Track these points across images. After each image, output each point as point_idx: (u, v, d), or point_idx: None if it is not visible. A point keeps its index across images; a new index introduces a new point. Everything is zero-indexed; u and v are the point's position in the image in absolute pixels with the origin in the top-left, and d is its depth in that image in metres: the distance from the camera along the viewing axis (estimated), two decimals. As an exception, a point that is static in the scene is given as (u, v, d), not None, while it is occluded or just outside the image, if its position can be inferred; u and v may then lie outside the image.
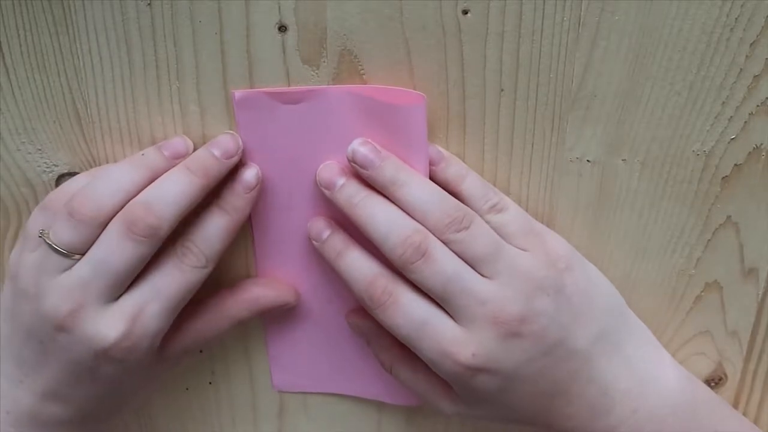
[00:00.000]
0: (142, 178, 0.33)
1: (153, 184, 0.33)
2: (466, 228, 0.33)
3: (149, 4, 0.33)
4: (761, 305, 0.40)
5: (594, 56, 0.34)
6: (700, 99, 0.35)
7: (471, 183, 0.35)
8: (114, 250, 0.32)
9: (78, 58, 0.34)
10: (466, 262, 0.33)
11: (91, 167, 0.37)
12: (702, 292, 0.40)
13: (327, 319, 0.40)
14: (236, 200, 0.35)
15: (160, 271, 0.34)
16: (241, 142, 0.35)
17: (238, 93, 0.35)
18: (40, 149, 0.37)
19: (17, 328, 0.34)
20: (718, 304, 0.40)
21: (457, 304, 0.33)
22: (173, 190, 0.33)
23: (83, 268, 0.32)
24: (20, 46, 0.34)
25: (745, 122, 0.35)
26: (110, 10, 0.33)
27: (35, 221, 0.34)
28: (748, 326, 0.41)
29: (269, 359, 0.42)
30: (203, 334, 0.37)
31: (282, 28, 0.34)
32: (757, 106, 0.35)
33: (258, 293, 0.37)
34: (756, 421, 0.43)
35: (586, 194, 0.37)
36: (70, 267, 0.32)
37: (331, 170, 0.35)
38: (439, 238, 0.33)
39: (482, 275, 0.33)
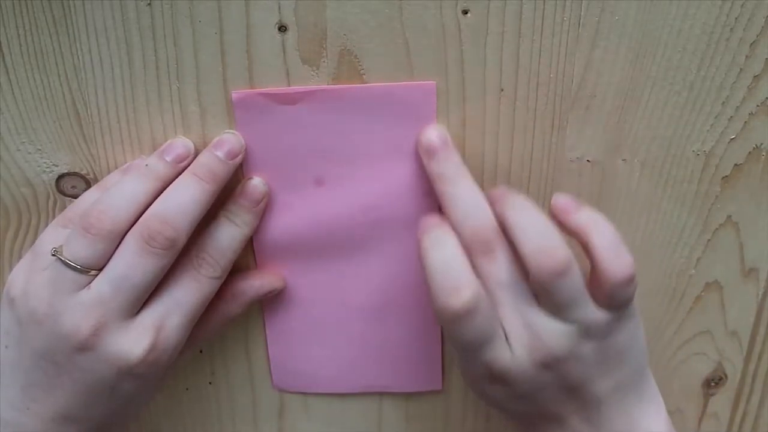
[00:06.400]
0: (152, 188, 0.33)
1: (164, 194, 0.33)
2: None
3: (149, 4, 0.33)
4: (761, 305, 0.40)
5: (594, 56, 0.34)
6: (700, 99, 0.35)
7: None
8: (134, 264, 0.32)
9: (78, 58, 0.34)
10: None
11: (92, 167, 0.37)
12: (702, 292, 0.40)
13: (327, 318, 0.40)
14: (245, 214, 0.36)
15: (177, 283, 0.34)
16: (243, 141, 0.35)
17: (236, 94, 0.35)
18: (40, 149, 0.37)
19: (24, 352, 0.33)
20: (718, 304, 0.40)
21: (504, 311, 0.32)
22: (186, 200, 0.33)
23: (103, 284, 0.32)
24: (20, 46, 0.34)
25: (745, 122, 0.36)
26: (110, 10, 0.33)
27: (48, 239, 0.34)
28: (748, 326, 0.41)
29: (269, 359, 0.42)
30: (199, 336, 0.37)
31: (282, 28, 0.34)
32: (757, 106, 0.35)
33: (243, 287, 0.37)
34: (756, 421, 0.43)
35: (586, 194, 0.37)
36: (87, 284, 0.32)
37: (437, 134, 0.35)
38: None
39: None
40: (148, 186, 0.33)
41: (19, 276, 0.33)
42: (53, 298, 0.32)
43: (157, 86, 0.35)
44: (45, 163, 0.37)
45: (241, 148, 0.35)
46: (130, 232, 0.32)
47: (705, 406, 0.43)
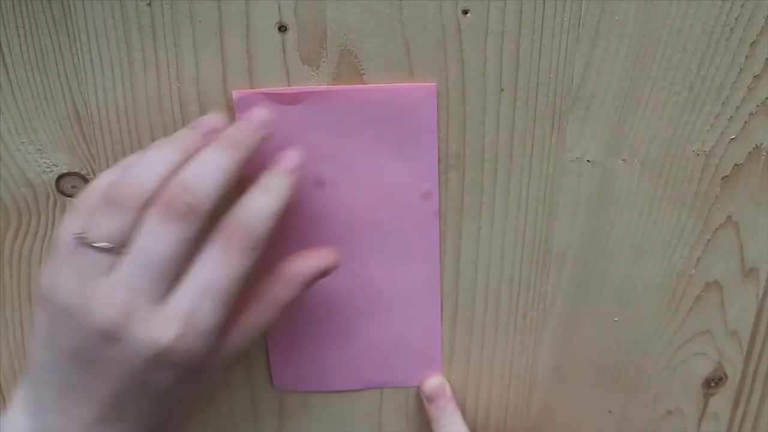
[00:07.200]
0: (177, 158, 0.31)
1: (188, 164, 0.31)
2: None
3: (149, 4, 0.33)
4: (761, 305, 0.40)
5: (594, 56, 0.34)
6: (700, 99, 0.35)
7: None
8: (156, 237, 0.30)
9: (78, 58, 0.34)
10: None
11: (91, 167, 0.37)
12: (702, 292, 0.40)
13: (327, 317, 0.40)
14: (279, 181, 0.33)
15: (208, 261, 0.31)
16: (272, 114, 0.34)
17: (236, 93, 0.35)
18: (40, 149, 0.37)
19: (60, 353, 0.31)
20: (718, 304, 0.40)
21: None
22: (210, 166, 0.31)
23: (127, 264, 0.30)
24: (20, 46, 0.34)
25: (745, 122, 0.35)
26: (110, 10, 0.33)
27: (67, 228, 0.32)
28: (748, 326, 0.41)
29: (269, 359, 0.42)
30: (253, 328, 0.34)
31: (282, 28, 0.34)
32: (757, 106, 0.35)
33: (295, 269, 0.35)
34: (756, 421, 0.43)
35: (586, 194, 0.37)
36: (113, 266, 0.30)
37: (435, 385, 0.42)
38: None
39: None
40: (171, 156, 0.31)
41: (45, 274, 0.32)
42: (81, 287, 0.30)
43: (157, 86, 0.35)
44: (45, 163, 0.37)
45: (269, 121, 0.33)
46: (152, 204, 0.30)
47: (705, 406, 0.43)
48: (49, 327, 0.31)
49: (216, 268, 0.31)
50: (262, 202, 0.32)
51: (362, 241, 0.38)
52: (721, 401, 0.43)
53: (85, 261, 0.30)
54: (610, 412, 0.43)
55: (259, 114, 0.33)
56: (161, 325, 0.30)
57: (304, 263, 0.35)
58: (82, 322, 0.30)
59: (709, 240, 0.38)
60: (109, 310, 0.30)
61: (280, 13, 0.33)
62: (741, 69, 0.34)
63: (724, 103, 0.35)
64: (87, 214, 0.31)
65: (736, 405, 0.43)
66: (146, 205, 0.30)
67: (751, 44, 0.34)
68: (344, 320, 0.40)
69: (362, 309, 0.40)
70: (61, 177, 0.37)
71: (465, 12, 0.33)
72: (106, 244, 0.30)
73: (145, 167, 0.31)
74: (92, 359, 0.31)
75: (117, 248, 0.30)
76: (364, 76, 0.35)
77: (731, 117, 0.35)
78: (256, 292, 0.34)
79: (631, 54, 0.34)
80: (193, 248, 0.31)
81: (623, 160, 0.37)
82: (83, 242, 0.30)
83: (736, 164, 0.37)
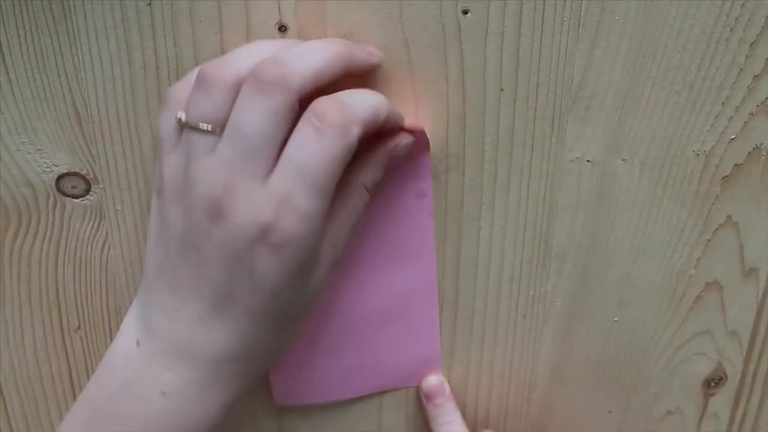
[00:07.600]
0: (278, 47, 0.31)
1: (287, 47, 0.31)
2: None
3: (149, 4, 0.33)
4: (761, 305, 0.40)
5: (594, 56, 0.34)
6: (700, 99, 0.35)
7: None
8: (248, 112, 0.29)
9: (78, 58, 0.34)
10: None
11: (92, 167, 0.37)
12: (702, 292, 0.40)
13: (326, 327, 0.40)
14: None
15: (301, 141, 0.29)
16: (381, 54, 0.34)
17: None
18: (40, 149, 0.37)
19: (169, 247, 0.31)
20: (718, 304, 0.40)
21: None
22: (311, 48, 0.30)
23: (224, 141, 0.29)
24: (20, 46, 0.34)
25: (745, 122, 0.36)
26: (110, 10, 0.33)
27: (165, 123, 0.31)
28: (748, 326, 0.41)
29: (269, 374, 0.41)
30: (348, 218, 0.33)
31: (282, 28, 0.34)
32: (757, 106, 0.35)
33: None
34: (756, 421, 0.43)
35: (586, 194, 0.37)
36: (214, 148, 0.29)
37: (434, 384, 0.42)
38: None
39: None
40: (274, 45, 0.31)
41: (156, 171, 0.32)
42: (185, 170, 0.30)
43: (157, 86, 0.35)
44: (45, 163, 0.37)
45: (379, 60, 0.34)
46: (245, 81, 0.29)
47: (705, 406, 0.43)
48: (160, 220, 0.31)
49: (309, 149, 0.29)
50: (360, 91, 0.31)
51: (357, 244, 0.38)
52: (721, 401, 0.43)
53: (188, 145, 0.30)
54: (610, 412, 0.43)
55: (371, 48, 0.33)
56: (261, 204, 0.29)
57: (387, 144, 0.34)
58: (188, 204, 0.30)
59: (709, 240, 0.38)
60: (211, 188, 0.29)
61: (280, 13, 0.33)
62: (741, 69, 0.34)
63: (724, 103, 0.35)
64: (179, 103, 0.31)
65: (736, 405, 0.43)
66: (239, 83, 0.29)
67: (751, 44, 0.34)
68: (341, 326, 0.40)
69: (359, 313, 0.40)
70: (61, 177, 0.37)
71: (465, 12, 0.33)
72: (205, 124, 0.29)
73: (243, 50, 0.30)
74: (199, 245, 0.30)
75: (216, 128, 0.29)
76: (365, 77, 0.35)
77: (731, 117, 0.35)
78: (344, 181, 0.33)
79: (631, 54, 0.34)
80: (288, 128, 0.29)
81: (623, 160, 0.37)
82: (184, 126, 0.30)
83: (736, 164, 0.37)
